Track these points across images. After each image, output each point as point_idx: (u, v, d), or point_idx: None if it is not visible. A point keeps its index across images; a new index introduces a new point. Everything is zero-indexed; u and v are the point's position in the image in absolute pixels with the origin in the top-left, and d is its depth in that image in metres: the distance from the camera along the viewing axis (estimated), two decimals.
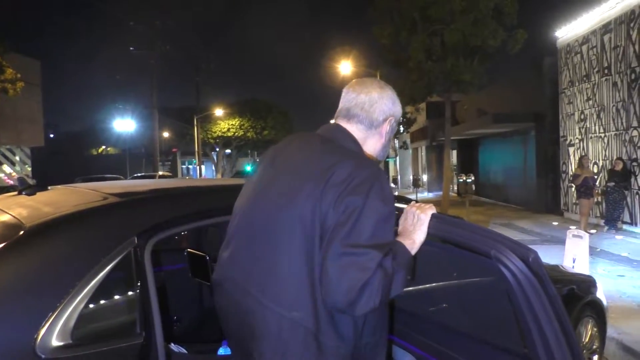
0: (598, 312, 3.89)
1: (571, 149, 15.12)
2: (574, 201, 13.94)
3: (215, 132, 38.77)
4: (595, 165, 13.60)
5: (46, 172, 25.14)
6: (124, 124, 39.76)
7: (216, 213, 2.09)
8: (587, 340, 3.76)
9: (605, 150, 13.26)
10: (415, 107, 22.39)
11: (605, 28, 13.08)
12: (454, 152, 25.88)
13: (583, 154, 13.79)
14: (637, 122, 11.82)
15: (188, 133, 37.66)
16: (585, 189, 11.31)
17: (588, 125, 14.10)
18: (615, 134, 12.74)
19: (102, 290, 1.66)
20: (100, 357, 1.59)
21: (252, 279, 1.58)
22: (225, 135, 38.92)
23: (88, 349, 1.58)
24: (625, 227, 12.16)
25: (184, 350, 2.71)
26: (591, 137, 13.97)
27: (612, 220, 11.85)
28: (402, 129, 28.69)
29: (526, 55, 18.72)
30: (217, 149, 41.96)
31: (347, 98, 1.77)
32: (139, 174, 33.84)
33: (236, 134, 38.85)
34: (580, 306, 3.65)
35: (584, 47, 14.21)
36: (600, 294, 4.03)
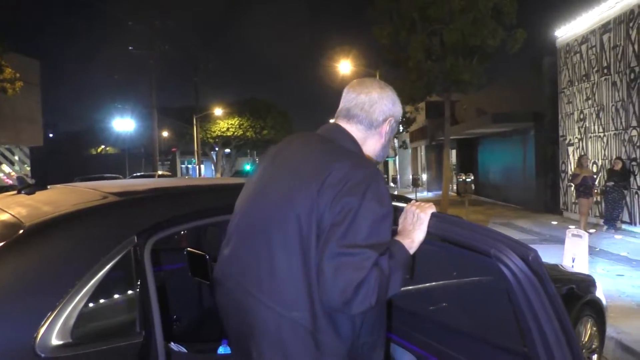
0: (597, 311, 3.90)
1: (570, 149, 15.13)
2: (573, 201, 13.95)
3: (214, 132, 38.76)
4: (595, 165, 13.60)
5: (45, 172, 25.12)
6: (123, 124, 39.73)
7: (216, 212, 2.09)
8: (586, 339, 3.76)
9: (604, 150, 13.26)
10: (415, 106, 22.39)
11: (605, 28, 13.09)
12: (454, 152, 25.89)
13: (582, 153, 13.79)
14: (637, 121, 11.83)
15: (187, 133, 37.65)
16: (585, 188, 11.31)
17: (587, 125, 14.11)
18: (615, 134, 12.75)
19: (102, 290, 1.66)
20: (100, 356, 1.59)
21: (251, 277, 1.59)
22: (224, 134, 38.91)
23: (88, 347, 1.58)
24: (624, 226, 12.17)
25: (184, 350, 2.71)
26: (590, 137, 13.98)
27: (611, 219, 11.86)
28: (401, 128, 28.67)
29: (525, 55, 18.72)
30: (217, 149, 41.95)
31: (347, 98, 1.78)
32: (138, 174, 33.81)
33: (235, 133, 38.83)
34: (579, 305, 3.65)
35: (584, 47, 14.21)
36: (600, 294, 4.03)
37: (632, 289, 6.75)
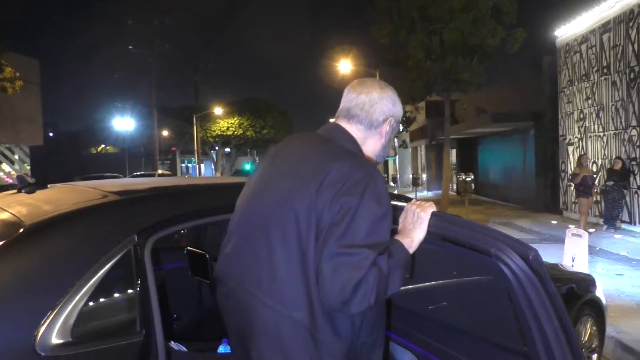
0: (597, 310, 3.90)
1: (570, 148, 15.13)
2: (573, 200, 13.95)
3: (214, 131, 38.76)
4: (595, 164, 13.61)
5: (45, 171, 25.10)
6: (123, 123, 39.72)
7: (216, 211, 2.09)
8: (586, 338, 3.77)
9: (604, 149, 13.27)
10: (415, 106, 22.40)
11: (605, 27, 13.09)
12: (454, 151, 25.89)
13: (582, 153, 13.80)
14: (636, 121, 11.83)
15: (187, 132, 37.65)
16: (584, 187, 11.31)
17: (587, 125, 14.11)
18: (615, 133, 12.75)
19: (102, 288, 1.66)
20: (101, 354, 1.59)
21: (250, 276, 1.59)
22: (224, 134, 38.91)
23: (88, 346, 1.58)
24: (624, 226, 12.17)
25: (184, 349, 2.71)
26: (590, 136, 13.98)
27: (611, 219, 11.86)
28: (401, 127, 28.67)
29: (525, 55, 18.77)
30: (217, 148, 41.95)
31: (348, 98, 1.78)
32: (138, 173, 33.80)
33: (235, 132, 38.83)
34: (579, 305, 3.65)
35: (583, 46, 14.21)
36: (600, 293, 4.03)
37: (632, 289, 6.75)
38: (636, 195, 11.84)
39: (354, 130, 1.75)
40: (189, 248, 3.13)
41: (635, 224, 11.88)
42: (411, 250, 1.63)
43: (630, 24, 11.94)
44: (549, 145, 16.38)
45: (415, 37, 15.60)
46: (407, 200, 2.20)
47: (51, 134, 53.60)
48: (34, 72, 24.69)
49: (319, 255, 1.46)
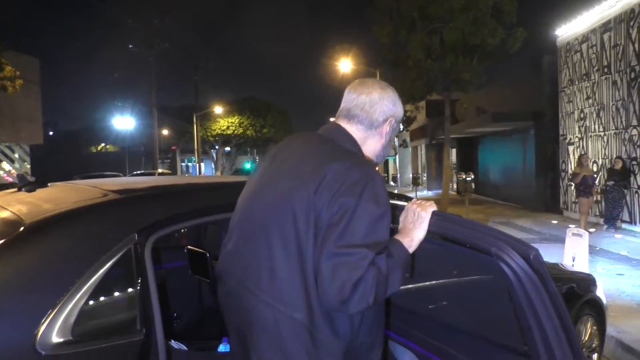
0: (597, 310, 3.90)
1: (571, 148, 15.13)
2: (573, 200, 13.94)
3: (214, 130, 38.76)
4: (595, 164, 13.60)
5: (45, 170, 25.11)
6: (123, 122, 39.73)
7: (216, 210, 2.09)
8: (586, 338, 3.77)
9: (604, 149, 13.26)
10: (415, 105, 22.39)
11: (605, 27, 13.08)
12: (454, 151, 25.89)
13: (582, 152, 13.79)
14: (637, 121, 11.82)
15: (187, 131, 37.67)
16: (585, 187, 11.31)
17: (588, 124, 14.11)
18: (615, 133, 12.74)
19: (103, 287, 1.66)
20: (101, 353, 1.59)
21: (250, 275, 1.60)
22: (224, 133, 38.92)
23: (88, 345, 1.58)
24: (624, 225, 12.17)
25: (184, 347, 2.71)
26: (591, 136, 13.98)
27: (611, 219, 11.86)
28: (401, 127, 28.67)
29: (526, 54, 18.74)
30: (217, 147, 41.96)
31: (348, 98, 1.79)
32: (139, 172, 33.81)
33: (235, 131, 38.84)
34: (579, 304, 3.65)
35: (584, 46, 14.21)
36: (600, 293, 4.03)
37: (632, 288, 6.76)
38: (636, 195, 11.83)
39: (354, 130, 1.75)
40: (189, 247, 3.13)
41: (635, 223, 11.87)
42: (411, 250, 1.63)
43: (631, 23, 11.94)
44: (549, 145, 16.38)
45: (415, 36, 15.59)
46: (408, 199, 2.20)
47: (51, 133, 53.58)
48: (34, 71, 24.71)
49: (318, 255, 1.47)
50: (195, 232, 3.73)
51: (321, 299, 1.48)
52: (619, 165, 11.62)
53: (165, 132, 40.26)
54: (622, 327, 5.16)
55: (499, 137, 20.82)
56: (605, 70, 13.12)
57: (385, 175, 39.90)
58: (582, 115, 14.39)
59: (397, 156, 35.59)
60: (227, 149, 43.25)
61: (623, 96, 12.35)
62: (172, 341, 2.67)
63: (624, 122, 12.35)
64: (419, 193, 24.46)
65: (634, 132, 11.91)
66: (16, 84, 15.87)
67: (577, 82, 14.65)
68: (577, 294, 3.69)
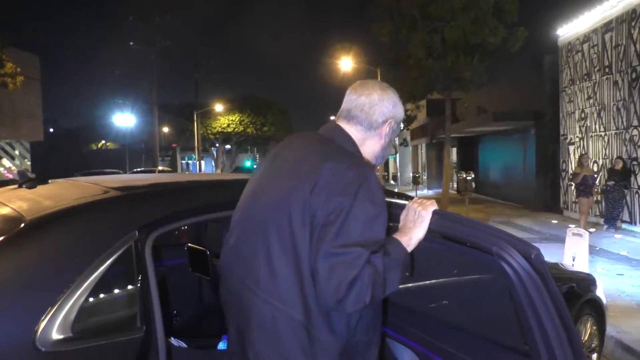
0: (597, 310, 3.90)
1: (571, 148, 15.12)
2: (573, 199, 13.94)
3: (215, 128, 38.76)
4: (595, 164, 13.60)
5: (46, 167, 25.13)
6: (124, 119, 39.74)
7: (216, 208, 2.09)
8: (586, 338, 3.77)
9: (605, 149, 13.26)
10: (416, 104, 22.38)
11: (607, 27, 13.07)
12: (454, 150, 25.89)
13: (583, 152, 13.78)
14: (638, 121, 11.82)
15: (188, 129, 37.67)
16: (585, 187, 11.31)
17: (588, 124, 14.10)
18: (616, 133, 12.74)
19: (103, 284, 1.66)
20: (101, 350, 1.59)
21: (249, 272, 1.62)
22: (225, 131, 38.92)
23: (89, 342, 1.58)
24: (624, 226, 12.17)
25: (184, 345, 2.71)
26: (591, 136, 13.97)
27: (611, 219, 11.86)
28: (402, 126, 28.62)
29: (527, 54, 18.71)
30: (217, 145, 41.96)
31: (349, 99, 1.80)
32: (139, 169, 33.81)
33: (236, 129, 38.84)
34: (579, 304, 3.65)
35: (585, 46, 14.20)
36: (600, 293, 4.03)
37: (632, 288, 6.76)
38: (637, 195, 11.83)
39: (353, 131, 1.77)
40: (189, 245, 3.13)
41: (635, 223, 11.87)
42: (409, 249, 1.63)
43: (633, 23, 11.92)
44: (550, 145, 16.37)
45: (416, 35, 15.57)
46: (409, 198, 2.19)
47: (51, 130, 53.57)
48: (34, 68, 24.72)
49: (315, 255, 1.48)
50: (195, 229, 3.73)
51: (318, 298, 1.49)
52: (619, 165, 11.62)
53: (165, 129, 40.26)
54: (622, 327, 5.16)
55: (499, 137, 20.81)
56: (607, 70, 13.11)
57: (386, 174, 39.90)
58: (582, 115, 14.39)
59: (398, 155, 35.59)
60: (228, 146, 43.25)
61: (624, 96, 12.34)
62: (172, 338, 2.67)
63: (624, 123, 12.34)
64: (419, 192, 24.46)
65: (635, 132, 11.90)
66: (17, 81, 15.87)
67: (578, 82, 14.64)
68: (577, 294, 3.69)
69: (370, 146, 1.79)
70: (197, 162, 37.88)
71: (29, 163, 26.76)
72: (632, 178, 11.87)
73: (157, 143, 29.70)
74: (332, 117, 1.88)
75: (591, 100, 13.91)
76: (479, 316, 2.41)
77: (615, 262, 8.52)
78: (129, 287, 1.80)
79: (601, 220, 12.65)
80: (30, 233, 1.69)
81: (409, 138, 31.51)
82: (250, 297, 1.60)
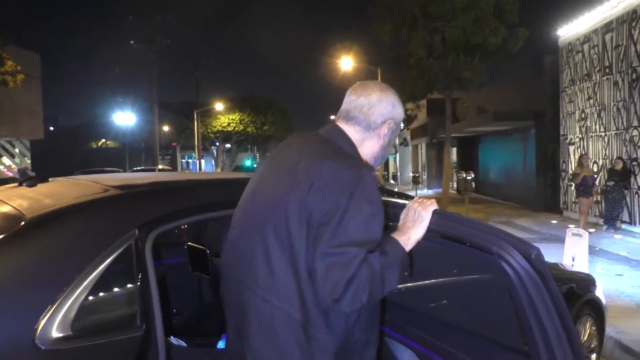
0: (597, 310, 3.90)
1: (571, 148, 15.12)
2: (573, 200, 13.94)
3: (215, 127, 38.76)
4: (595, 164, 13.60)
5: (46, 165, 25.12)
6: (124, 118, 39.74)
7: (217, 207, 2.10)
8: (585, 338, 3.77)
9: (605, 150, 13.26)
10: (416, 104, 22.38)
11: (607, 27, 13.07)
12: (454, 150, 25.88)
13: (583, 152, 13.79)
14: (638, 121, 11.82)
15: (188, 127, 37.67)
16: (585, 187, 11.31)
17: (589, 124, 14.10)
18: (616, 133, 12.74)
19: (103, 283, 1.66)
20: (101, 349, 1.59)
21: (247, 270, 1.63)
22: (225, 129, 38.92)
23: (88, 340, 1.58)
24: (624, 226, 12.17)
25: (184, 344, 2.71)
26: (591, 136, 13.97)
27: (611, 219, 11.86)
28: (402, 125, 28.55)
29: (527, 54, 18.68)
30: (217, 144, 41.95)
31: (348, 100, 1.82)
32: (139, 168, 33.81)
33: (236, 128, 38.84)
34: (579, 304, 3.65)
35: (586, 46, 14.19)
36: (600, 293, 4.03)
37: (632, 289, 6.76)
38: (637, 196, 11.83)
39: (352, 131, 1.77)
40: (189, 244, 3.13)
41: (635, 224, 11.88)
42: (408, 248, 1.63)
43: (633, 24, 11.92)
44: (550, 145, 16.37)
45: (417, 34, 15.57)
46: (409, 198, 2.20)
47: (51, 128, 53.50)
48: (35, 66, 24.73)
49: (312, 255, 1.49)
50: (195, 228, 3.73)
51: (317, 297, 1.51)
52: (619, 165, 11.62)
53: (165, 128, 40.26)
54: (621, 327, 5.16)
55: (499, 137, 20.81)
56: (607, 70, 13.10)
57: (386, 173, 39.89)
58: (583, 116, 14.39)
59: (398, 155, 35.59)
60: (228, 145, 43.26)
61: (624, 97, 12.34)
62: (172, 337, 2.67)
63: (624, 123, 12.34)
64: (419, 192, 24.47)
65: (635, 132, 11.90)
66: (17, 79, 15.87)
67: (578, 83, 14.64)
68: (576, 294, 3.69)
69: (369, 147, 1.80)
70: (197, 161, 37.89)
71: (29, 161, 26.77)
72: (632, 178, 11.87)
73: (157, 142, 29.70)
74: (332, 117, 1.89)
75: (591, 101, 13.91)
76: (479, 316, 2.41)
77: (614, 262, 8.52)
78: (129, 285, 1.80)
79: (601, 221, 12.65)
80: (31, 231, 1.69)
81: (409, 137, 31.50)
82: (249, 295, 1.61)
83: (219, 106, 36.73)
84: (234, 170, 37.48)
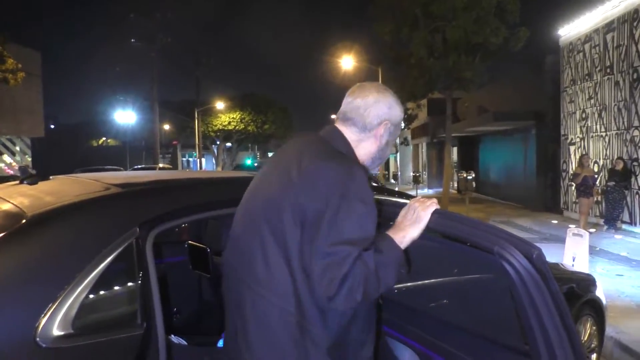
0: (597, 310, 3.90)
1: (572, 148, 15.11)
2: (573, 200, 13.94)
3: (215, 125, 38.74)
4: (596, 165, 13.59)
5: (46, 163, 25.12)
6: (125, 116, 39.72)
7: (217, 205, 2.10)
8: (585, 338, 3.77)
9: (606, 150, 13.25)
10: (417, 103, 22.38)
11: (608, 27, 13.05)
12: (455, 149, 25.88)
13: (584, 152, 13.78)
14: (639, 121, 11.81)
15: (188, 126, 37.65)
16: (585, 187, 11.31)
17: (589, 124, 14.09)
18: (617, 134, 12.73)
19: (104, 281, 1.66)
20: (101, 347, 1.59)
21: (246, 267, 1.65)
22: (225, 128, 38.90)
23: (89, 338, 1.58)
24: (624, 226, 12.17)
25: (184, 342, 2.71)
26: (592, 136, 13.97)
27: (611, 219, 11.86)
28: (403, 125, 28.52)
29: (528, 54, 18.67)
30: (218, 142, 41.94)
31: (346, 102, 1.84)
32: (139, 166, 33.82)
33: (237, 127, 38.82)
34: (579, 304, 3.65)
35: (587, 46, 14.18)
36: (600, 293, 4.03)
37: (632, 289, 6.76)
38: (637, 196, 11.83)
39: (348, 132, 1.80)
40: (190, 242, 3.13)
41: (635, 224, 11.87)
42: (403, 246, 1.63)
43: (635, 24, 11.91)
44: (550, 145, 16.37)
45: (417, 34, 15.57)
46: (409, 197, 2.19)
47: (52, 126, 53.49)
48: (35, 64, 24.73)
49: (308, 254, 1.51)
50: (196, 227, 3.73)
51: (313, 295, 1.54)
52: (620, 165, 11.62)
53: (166, 126, 40.24)
54: (621, 327, 5.16)
55: (500, 136, 20.81)
56: (608, 70, 13.10)
57: (386, 173, 39.89)
58: (583, 116, 14.38)
59: (398, 154, 35.56)
60: (228, 144, 43.25)
61: (625, 97, 12.33)
62: (172, 336, 2.67)
63: (625, 123, 12.34)
64: (419, 191, 24.47)
65: (636, 132, 11.89)
66: (18, 77, 15.87)
67: (579, 82, 14.63)
68: (577, 294, 3.69)
69: (365, 147, 1.81)
70: (198, 160, 37.90)
71: (29, 159, 26.78)
72: (633, 179, 11.87)
73: (157, 140, 29.68)
74: (333, 116, 1.90)
75: (592, 101, 13.90)
76: (479, 315, 2.41)
77: (615, 262, 8.52)
78: (130, 284, 1.80)
79: (601, 221, 12.65)
80: (31, 229, 1.69)
81: (409, 137, 31.50)
82: (247, 293, 1.63)
83: (219, 105, 36.71)
84: (235, 169, 37.47)
